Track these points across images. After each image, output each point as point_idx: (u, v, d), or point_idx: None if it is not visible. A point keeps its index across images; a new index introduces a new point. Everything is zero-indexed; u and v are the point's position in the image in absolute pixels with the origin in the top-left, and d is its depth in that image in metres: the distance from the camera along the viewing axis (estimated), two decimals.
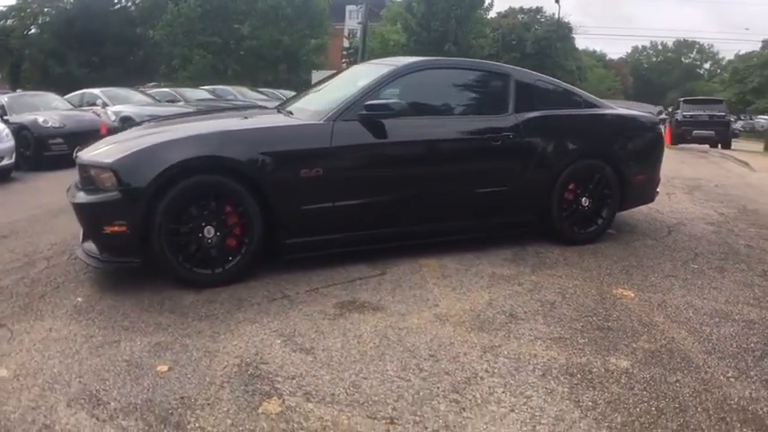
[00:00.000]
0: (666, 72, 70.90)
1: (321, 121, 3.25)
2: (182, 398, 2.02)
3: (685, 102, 16.62)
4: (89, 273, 3.36)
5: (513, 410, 1.98)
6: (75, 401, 2.00)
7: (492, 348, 2.43)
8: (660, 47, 74.01)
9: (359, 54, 22.57)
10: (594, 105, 4.10)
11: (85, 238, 3.24)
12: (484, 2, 35.50)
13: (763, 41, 43.22)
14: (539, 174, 3.74)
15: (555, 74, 47.47)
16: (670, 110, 18.47)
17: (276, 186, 3.10)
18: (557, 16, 45.39)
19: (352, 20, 44.30)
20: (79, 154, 3.36)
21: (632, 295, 3.08)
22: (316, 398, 2.03)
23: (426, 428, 1.87)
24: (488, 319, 2.74)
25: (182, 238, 3.01)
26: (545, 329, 2.63)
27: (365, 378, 2.17)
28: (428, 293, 3.04)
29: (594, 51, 68.72)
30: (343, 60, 36.21)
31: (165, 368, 2.22)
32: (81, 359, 2.31)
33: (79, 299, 2.97)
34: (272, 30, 29.17)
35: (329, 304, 2.89)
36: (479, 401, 2.03)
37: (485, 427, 1.89)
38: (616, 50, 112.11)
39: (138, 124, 4.29)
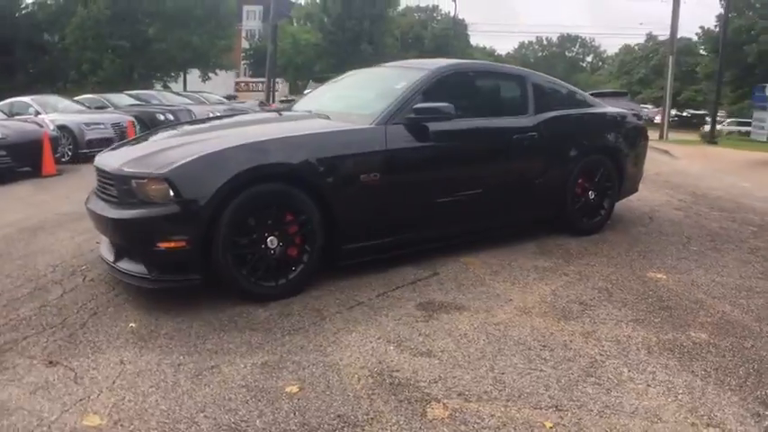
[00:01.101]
0: (552, 66, 77.01)
1: (374, 125, 3.29)
2: (338, 416, 1.99)
3: (591, 95, 18.25)
4: (122, 294, 3.12)
5: (649, 385, 2.22)
6: None
7: (590, 334, 2.66)
8: (545, 41, 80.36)
9: (268, 55, 22.10)
10: (593, 104, 4.53)
11: (122, 256, 3.00)
12: (396, 0, 36.55)
13: (647, 35, 48.41)
14: (558, 170, 4.07)
15: None
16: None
17: (337, 192, 3.10)
18: (452, 14, 47.56)
19: (250, 20, 43.52)
20: (105, 164, 3.11)
21: (665, 277, 3.49)
22: (472, 397, 2.12)
23: (591, 411, 2.04)
24: (565, 308, 2.97)
25: (245, 251, 2.91)
26: (618, 313, 2.92)
27: (502, 373, 2.29)
28: (493, 289, 3.21)
29: (485, 48, 72.98)
30: (244, 62, 35.45)
31: (295, 389, 2.15)
32: (186, 391, 2.15)
33: (132, 324, 2.75)
34: (180, 31, 28.50)
35: (409, 307, 2.95)
36: (616, 381, 2.24)
37: (637, 402, 2.10)
38: (504, 46, 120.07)
39: (148, 129, 4.00)
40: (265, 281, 2.97)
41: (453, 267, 3.57)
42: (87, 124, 9.16)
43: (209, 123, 3.58)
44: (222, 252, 2.81)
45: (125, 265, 2.98)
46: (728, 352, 2.52)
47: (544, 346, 2.53)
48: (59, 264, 3.71)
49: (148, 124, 10.46)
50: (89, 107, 11.60)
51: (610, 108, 4.67)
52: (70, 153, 8.88)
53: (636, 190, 4.94)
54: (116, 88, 17.69)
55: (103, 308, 2.96)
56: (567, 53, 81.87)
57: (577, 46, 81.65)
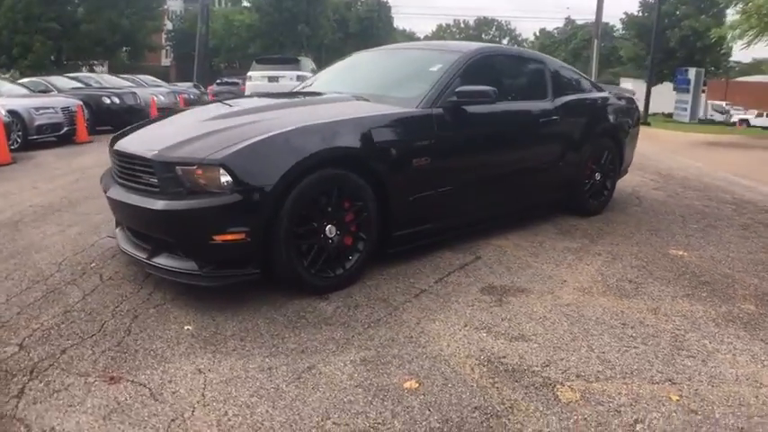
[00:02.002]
0: None
1: (420, 109, 3.25)
2: (476, 408, 1.95)
3: None
4: (156, 293, 2.88)
5: (735, 354, 2.40)
6: None
7: (656, 310, 2.82)
8: (462, 25, 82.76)
9: (198, 35, 21.00)
10: (597, 89, 4.74)
11: (161, 252, 2.77)
12: None
13: (566, 19, 51.01)
14: (573, 153, 4.23)
15: None
16: None
17: (393, 177, 3.03)
18: None
19: (176, 1, 41.62)
20: (135, 149, 2.84)
21: (686, 254, 3.75)
22: (591, 378, 2.18)
23: (701, 382, 2.17)
24: (618, 286, 3.12)
25: (306, 241, 2.79)
26: (668, 289, 3.11)
27: (603, 352, 2.37)
28: (541, 271, 3.31)
29: (405, 30, 73.81)
30: (167, 43, 33.98)
31: (414, 384, 2.10)
32: (296, 397, 2.02)
33: (188, 326, 2.55)
34: (110, 12, 27.25)
35: (473, 291, 2.97)
36: (705, 352, 2.40)
37: (734, 370, 2.25)
38: (423, 28, 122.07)
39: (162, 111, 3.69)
40: (324, 272, 2.87)
41: (491, 251, 3.63)
42: (37, 109, 8.37)
43: (241, 106, 3.34)
44: (285, 243, 2.68)
45: (165, 261, 2.75)
46: None
47: (623, 324, 2.65)
48: (62, 261, 3.35)
49: (94, 108, 9.64)
50: (33, 91, 10.80)
51: (615, 92, 4.91)
52: (19, 140, 8.04)
53: (626, 172, 5.26)
54: (45, 72, 16.38)
55: (143, 310, 2.71)
56: (483, 36, 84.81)
57: (494, 29, 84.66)
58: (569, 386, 2.12)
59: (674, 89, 23.89)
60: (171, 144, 2.73)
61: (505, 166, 3.74)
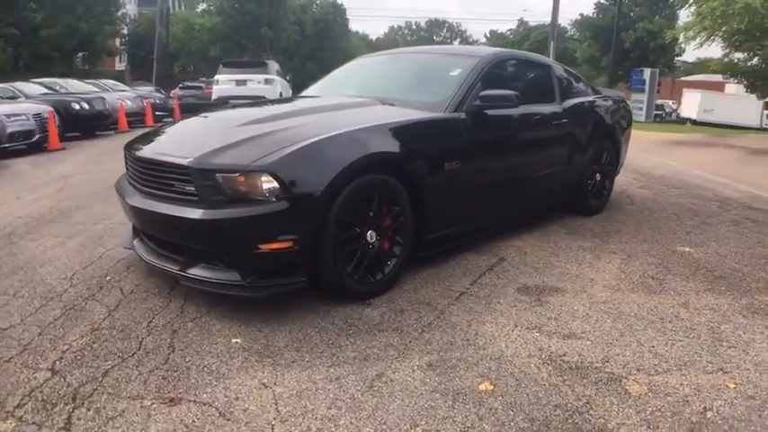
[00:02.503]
0: None
1: (448, 113, 3.32)
2: (556, 406, 2.03)
3: None
4: (189, 306, 2.83)
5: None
6: None
7: (686, 305, 2.98)
8: (414, 26, 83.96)
9: (157, 39, 20.49)
10: (596, 91, 4.95)
11: (196, 262, 2.72)
12: None
13: (518, 20, 52.43)
14: (580, 154, 4.41)
15: (334, 55, 49.84)
16: None
17: (427, 181, 3.09)
18: None
19: (130, 4, 40.69)
20: (164, 155, 2.79)
21: (693, 251, 3.97)
22: (651, 370, 2.29)
23: (749, 369, 2.32)
24: (644, 283, 3.28)
25: (349, 247, 2.81)
26: (690, 285, 3.29)
27: (652, 346, 2.50)
28: (566, 270, 3.43)
29: (357, 32, 74.19)
30: (122, 47, 33.29)
31: (488, 386, 2.15)
32: (376, 406, 2.02)
33: (236, 340, 2.50)
34: (68, 17, 26.81)
35: (510, 292, 3.07)
36: (744, 342, 2.56)
37: None
38: (376, 30, 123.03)
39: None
40: (365, 278, 2.89)
41: (512, 252, 3.74)
42: (8, 116, 8.04)
43: (269, 112, 3.31)
44: (332, 250, 2.69)
45: (202, 272, 2.70)
46: None
47: (661, 318, 2.80)
48: (72, 275, 3.24)
49: (64, 114, 9.25)
50: (1, 97, 10.51)
51: (609, 95, 5.13)
52: None
53: (618, 172, 5.50)
54: (8, 79, 15.71)
55: (180, 324, 2.65)
56: (435, 37, 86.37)
57: (445, 31, 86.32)
58: (634, 380, 2.23)
59: (630, 89, 25.04)
60: (208, 151, 2.69)
61: (523, 168, 3.87)
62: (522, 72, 4.25)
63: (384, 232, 2.96)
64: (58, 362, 2.31)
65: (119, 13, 32.33)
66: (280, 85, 16.36)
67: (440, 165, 3.16)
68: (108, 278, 3.23)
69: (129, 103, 12.57)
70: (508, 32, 55.10)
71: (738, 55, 17.88)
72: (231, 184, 2.55)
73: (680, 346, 2.52)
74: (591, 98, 4.73)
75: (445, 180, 3.21)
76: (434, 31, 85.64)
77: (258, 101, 4.11)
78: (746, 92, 19.17)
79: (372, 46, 67.07)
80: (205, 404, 2.04)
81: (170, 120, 15.92)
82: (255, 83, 15.03)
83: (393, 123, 3.04)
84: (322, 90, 4.25)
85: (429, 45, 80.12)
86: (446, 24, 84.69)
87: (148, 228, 2.97)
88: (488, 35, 79.18)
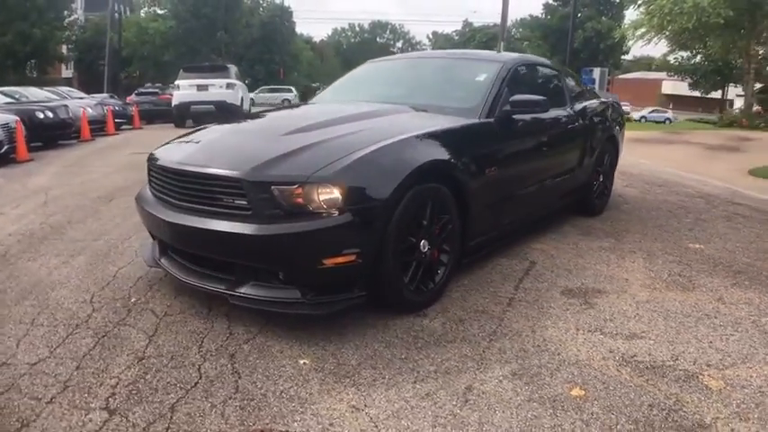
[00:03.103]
0: (365, 52, 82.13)
1: (483, 119, 3.37)
2: (651, 406, 2.11)
3: None
4: (236, 327, 2.74)
5: None
6: None
7: (722, 300, 3.16)
8: (357, 28, 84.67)
9: (108, 44, 19.67)
10: (595, 95, 5.15)
11: (246, 281, 2.64)
12: None
13: (463, 21, 53.62)
14: (589, 157, 4.59)
15: (282, 58, 49.15)
16: None
17: (473, 187, 3.13)
18: (279, 0, 47.14)
19: (78, 9, 38.99)
20: (210, 169, 2.69)
21: (703, 247, 4.21)
22: (719, 365, 2.41)
23: None
24: (675, 281, 3.45)
25: (407, 257, 2.81)
26: (716, 281, 3.48)
27: (711, 342, 2.63)
28: (599, 271, 3.56)
29: (301, 35, 73.98)
30: (69, 53, 32.01)
31: (580, 392, 2.21)
32: (480, 421, 2.04)
33: (304, 361, 2.44)
34: (21, 23, 26.07)
35: (556, 295, 3.15)
36: None
37: None
38: (318, 33, 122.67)
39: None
40: (419, 288, 2.91)
41: (539, 255, 3.85)
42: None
43: (311, 119, 3.23)
44: (393, 260, 2.69)
45: (255, 291, 2.62)
46: None
47: (706, 315, 2.96)
48: (92, 298, 3.09)
49: (28, 123, 8.71)
50: None
51: (607, 98, 5.35)
52: None
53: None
54: None
55: (235, 347, 2.55)
56: (378, 39, 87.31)
57: (388, 32, 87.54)
58: (709, 375, 2.35)
59: None
60: (261, 162, 2.62)
61: (546, 172, 3.99)
62: (537, 76, 4.38)
63: (435, 241, 2.98)
64: (111, 399, 2.16)
65: (70, 19, 31.10)
66: (241, 90, 16.11)
67: (482, 170, 3.22)
68: (133, 300, 3.09)
69: (90, 110, 12.01)
70: (453, 33, 56.36)
71: (683, 53, 19.08)
72: (288, 197, 2.49)
73: (734, 340, 2.68)
74: (593, 101, 4.93)
75: (486, 186, 3.26)
76: (377, 33, 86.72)
77: (282, 107, 4.01)
78: (689, 89, 20.54)
79: (316, 48, 66.87)
80: None
81: (130, 127, 15.34)
82: (217, 87, 14.76)
83: (439, 130, 3.07)
84: (338, 96, 4.22)
85: (371, 47, 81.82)
86: (389, 26, 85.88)
87: (189, 245, 2.86)
88: (431, 36, 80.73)
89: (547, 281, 3.38)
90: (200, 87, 14.82)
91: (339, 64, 71.09)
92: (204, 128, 3.58)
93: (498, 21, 26.28)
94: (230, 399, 2.17)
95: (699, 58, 19.50)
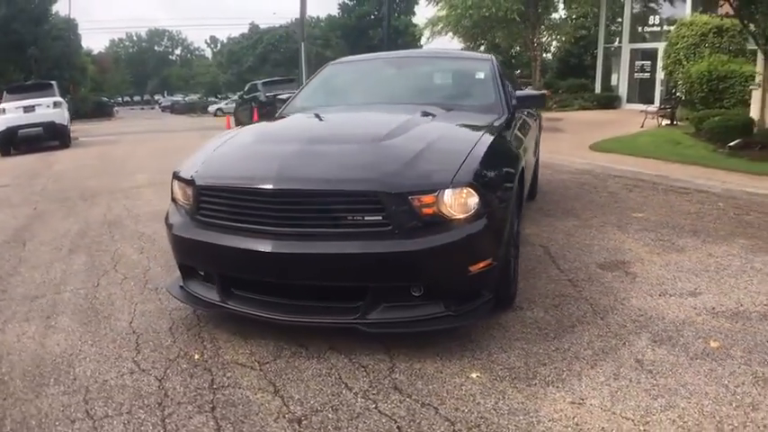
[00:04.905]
0: (144, 61, 77.69)
1: (508, 114, 3.58)
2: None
3: (264, 83, 19.62)
4: (357, 356, 2.57)
5: None
6: None
7: (712, 254, 3.86)
8: (135, 37, 79.73)
9: None
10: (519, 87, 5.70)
11: (377, 305, 2.51)
12: None
13: (250, 24, 53.09)
14: (536, 145, 5.12)
15: (71, 74, 43.48)
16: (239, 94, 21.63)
17: (520, 186, 3.33)
18: (67, 13, 41.91)
19: None
20: (333, 186, 2.49)
21: (643, 215, 5.01)
22: None
23: None
24: (664, 245, 4.10)
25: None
26: (689, 241, 4.19)
27: (746, 287, 3.25)
28: (605, 245, 4.07)
29: (83, 47, 68.03)
30: None
31: (715, 343, 2.59)
32: (679, 379, 2.28)
33: (477, 374, 2.39)
34: None
35: (598, 271, 3.55)
36: None
37: None
38: (96, 45, 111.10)
39: None
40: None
41: (541, 240, 4.24)
42: None
43: (380, 129, 3.04)
44: (514, 256, 2.80)
45: (389, 314, 2.51)
46: None
47: (723, 267, 3.59)
48: (139, 366, 2.60)
49: None
50: None
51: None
52: None
53: None
54: None
55: (396, 379, 2.38)
56: (156, 47, 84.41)
57: (165, 39, 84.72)
58: None
59: None
60: (392, 172, 2.48)
61: (529, 163, 4.35)
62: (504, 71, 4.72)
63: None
64: None
65: None
66: (65, 108, 14.86)
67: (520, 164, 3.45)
68: (197, 356, 2.66)
69: None
70: (239, 37, 55.98)
71: (469, 44, 21.74)
72: (424, 206, 2.42)
73: (757, 282, 3.32)
74: (525, 91, 5.45)
75: (522, 180, 3.50)
76: (155, 41, 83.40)
77: (320, 115, 3.63)
78: None
79: (97, 61, 61.41)
80: None
81: None
82: (44, 107, 13.71)
83: (496, 127, 3.21)
84: (325, 100, 4.07)
85: (150, 56, 77.15)
86: (167, 33, 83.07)
87: (302, 275, 2.54)
88: (209, 41, 79.07)
89: (576, 260, 3.77)
90: (27, 109, 13.62)
91: (125, 74, 67.01)
92: (234, 136, 3.21)
93: (304, 18, 26.64)
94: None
95: (483, 48, 22.40)
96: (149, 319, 3.05)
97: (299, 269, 2.51)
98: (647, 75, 18.43)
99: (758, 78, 9.81)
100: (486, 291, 2.69)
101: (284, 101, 4.32)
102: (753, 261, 3.70)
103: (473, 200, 2.49)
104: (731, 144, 8.62)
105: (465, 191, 2.47)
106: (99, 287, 3.56)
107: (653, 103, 15.66)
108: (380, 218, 2.42)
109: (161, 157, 10.46)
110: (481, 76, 3.94)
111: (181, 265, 2.92)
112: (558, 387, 2.29)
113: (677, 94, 13.68)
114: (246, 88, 21.32)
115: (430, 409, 2.17)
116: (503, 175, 2.72)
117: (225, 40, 63.42)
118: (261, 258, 2.49)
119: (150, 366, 2.56)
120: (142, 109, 56.10)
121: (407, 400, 2.23)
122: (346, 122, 3.47)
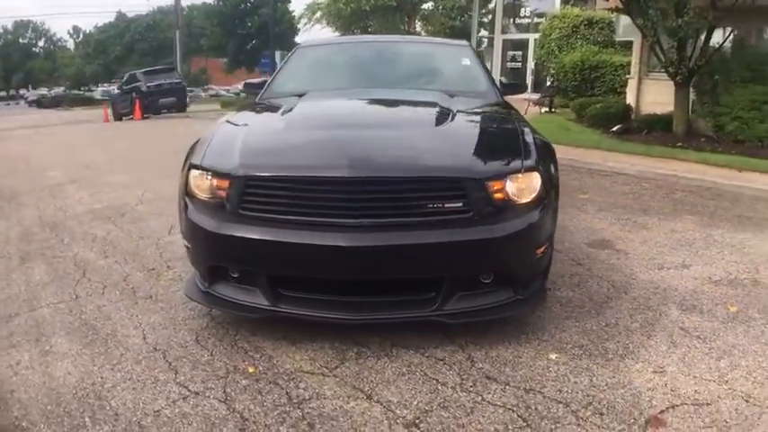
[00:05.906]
0: (8, 55, 73.54)
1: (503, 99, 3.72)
2: None
3: (145, 73, 18.90)
4: (423, 348, 2.56)
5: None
6: None
7: (674, 230, 4.34)
8: (2, 30, 74.43)
9: None
10: None
11: (453, 294, 2.49)
12: None
13: (117, 12, 49.78)
14: None
15: None
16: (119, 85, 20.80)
17: None
18: None
19: None
20: (402, 170, 2.45)
21: (588, 196, 5.46)
22: (755, 269, 3.47)
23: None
24: (627, 224, 4.52)
25: None
26: (646, 219, 4.66)
27: (724, 257, 3.70)
28: (580, 225, 4.40)
29: None
30: None
31: (733, 307, 2.92)
32: (732, 341, 2.54)
33: (553, 356, 2.48)
34: None
35: (589, 250, 3.84)
36: (738, 240, 4.04)
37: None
38: None
39: None
40: None
41: None
42: None
43: (420, 115, 3.08)
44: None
45: (467, 303, 2.51)
46: None
47: (688, 242, 4.05)
48: (204, 389, 2.39)
49: None
50: None
51: None
52: None
53: None
54: None
55: (478, 374, 2.38)
56: (21, 40, 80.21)
57: (29, 31, 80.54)
58: (763, 273, 3.38)
59: (261, 73, 27.21)
60: (470, 158, 2.51)
61: None
62: None
63: None
64: None
65: None
66: None
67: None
68: (251, 370, 2.45)
69: None
70: (105, 25, 52.56)
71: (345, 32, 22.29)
72: (496, 191, 2.45)
73: (728, 252, 3.81)
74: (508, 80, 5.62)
75: None
76: (20, 33, 79.01)
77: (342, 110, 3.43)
78: None
79: None
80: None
81: None
82: None
83: (513, 111, 3.34)
84: (315, 84, 3.89)
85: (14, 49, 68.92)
86: (31, 24, 78.60)
87: (381, 270, 2.45)
88: (72, 31, 73.77)
89: (565, 240, 4.03)
90: None
91: None
92: (250, 124, 3.05)
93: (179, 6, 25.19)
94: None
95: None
96: (165, 333, 2.75)
97: (379, 263, 2.40)
98: (518, 64, 19.90)
99: (634, 69, 11.07)
100: (542, 275, 2.81)
101: (257, 86, 4.03)
102: (712, 235, 4.22)
103: (538, 183, 2.57)
104: (613, 129, 9.63)
105: (533, 175, 2.56)
106: (80, 299, 3.13)
107: (526, 91, 17.03)
108: (461, 204, 2.41)
109: (63, 152, 9.68)
110: (467, 62, 4.04)
111: (210, 267, 2.66)
112: (633, 359, 2.46)
113: (555, 83, 14.92)
114: (125, 78, 20.39)
115: (536, 394, 2.21)
116: (551, 159, 2.84)
117: (90, 30, 60.59)
118: (332, 254, 2.34)
119: (202, 388, 2.29)
120: (8, 105, 50.13)
121: (509, 387, 2.26)
122: (382, 106, 3.41)
